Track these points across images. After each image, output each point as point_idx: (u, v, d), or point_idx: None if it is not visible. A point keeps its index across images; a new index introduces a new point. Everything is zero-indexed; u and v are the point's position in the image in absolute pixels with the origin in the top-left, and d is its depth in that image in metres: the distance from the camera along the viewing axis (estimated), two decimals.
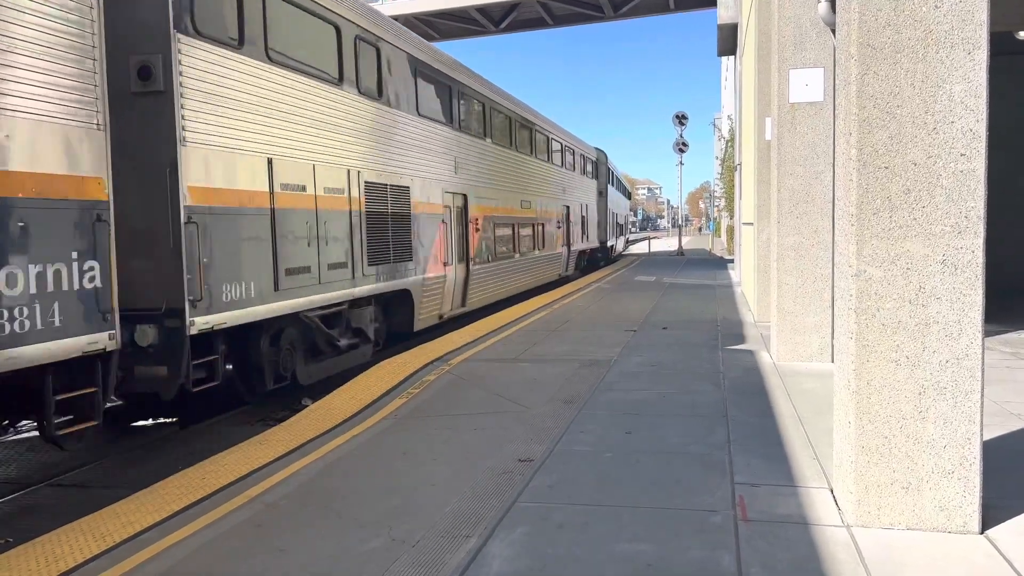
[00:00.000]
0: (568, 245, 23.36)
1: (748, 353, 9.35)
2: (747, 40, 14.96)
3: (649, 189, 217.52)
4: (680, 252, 37.16)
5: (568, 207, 23.12)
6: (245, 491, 4.89)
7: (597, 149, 29.98)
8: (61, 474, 6.76)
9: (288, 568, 3.79)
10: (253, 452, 5.83)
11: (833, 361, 6.06)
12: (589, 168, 27.96)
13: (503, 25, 33.30)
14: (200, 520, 4.43)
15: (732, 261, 28.38)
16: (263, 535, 4.20)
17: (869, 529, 4.00)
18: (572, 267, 24.57)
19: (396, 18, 27.63)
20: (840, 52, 4.20)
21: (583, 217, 25.88)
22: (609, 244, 32.31)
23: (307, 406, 7.92)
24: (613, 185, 33.73)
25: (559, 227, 22.05)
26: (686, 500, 4.51)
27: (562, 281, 22.74)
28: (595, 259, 29.73)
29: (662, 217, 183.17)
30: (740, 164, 18.87)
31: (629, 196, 33.32)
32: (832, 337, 8.39)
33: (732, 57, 24.25)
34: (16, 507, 6.11)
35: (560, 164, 22.53)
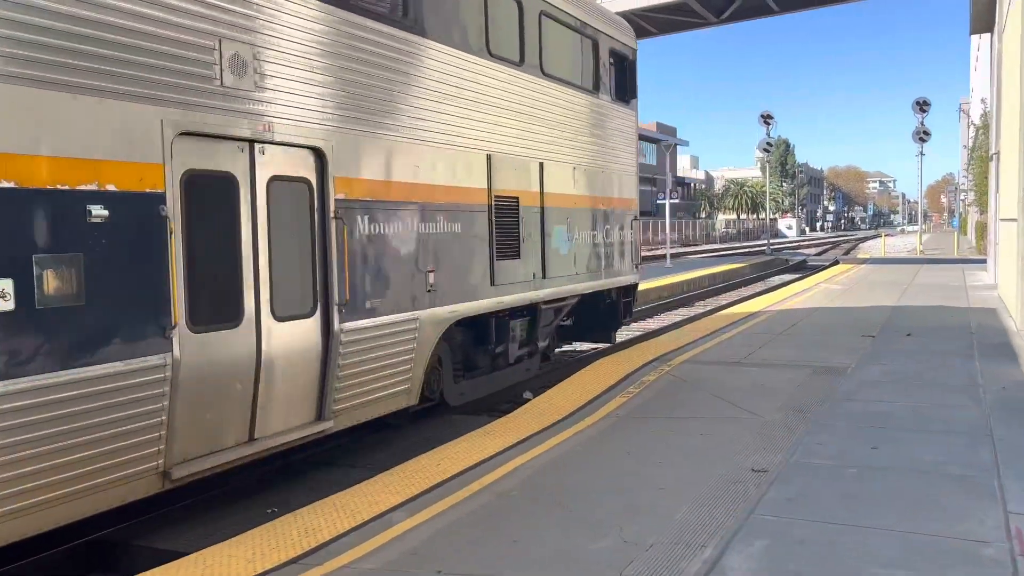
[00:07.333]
0: None
1: (1012, 365, 8.30)
2: (1010, 13, 13.29)
3: (881, 182, 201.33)
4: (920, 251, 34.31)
5: None
6: (478, 479, 5.07)
7: None
8: (318, 452, 7.37)
9: (523, 560, 3.86)
10: (481, 442, 6.03)
11: None
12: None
13: (725, 15, 32.04)
14: (439, 504, 4.64)
15: (984, 261, 25.46)
16: (497, 524, 4.32)
17: None
18: None
19: (618, 14, 27.62)
20: None
21: None
22: None
23: (528, 399, 8.10)
24: None
25: None
26: (947, 527, 4.06)
27: None
28: None
29: (896, 212, 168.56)
30: (998, 153, 16.86)
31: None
32: None
33: (987, 35, 21.73)
34: (277, 476, 6.75)
35: None
